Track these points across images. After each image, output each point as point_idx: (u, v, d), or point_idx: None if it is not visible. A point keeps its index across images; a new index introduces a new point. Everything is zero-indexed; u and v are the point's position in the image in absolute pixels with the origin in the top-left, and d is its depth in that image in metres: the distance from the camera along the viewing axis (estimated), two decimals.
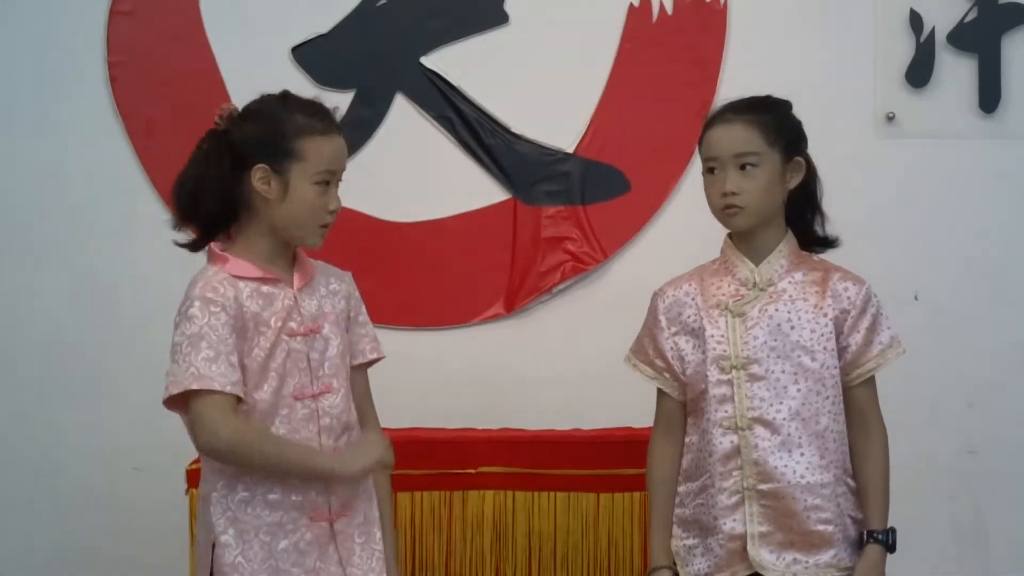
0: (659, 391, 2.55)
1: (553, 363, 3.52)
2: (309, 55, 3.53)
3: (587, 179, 3.54)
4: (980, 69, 3.50)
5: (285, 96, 2.34)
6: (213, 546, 2.24)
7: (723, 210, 2.41)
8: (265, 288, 2.28)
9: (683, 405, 2.52)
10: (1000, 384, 3.51)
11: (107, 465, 3.49)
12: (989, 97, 3.50)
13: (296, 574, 2.26)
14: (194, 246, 2.35)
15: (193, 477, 2.97)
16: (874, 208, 3.48)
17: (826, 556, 2.37)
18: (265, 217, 2.28)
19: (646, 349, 2.55)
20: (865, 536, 2.39)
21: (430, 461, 3.03)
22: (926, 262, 3.50)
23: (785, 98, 2.49)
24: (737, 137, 2.39)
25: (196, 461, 2.98)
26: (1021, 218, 3.54)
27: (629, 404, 3.31)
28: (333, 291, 2.39)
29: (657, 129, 3.53)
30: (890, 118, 3.50)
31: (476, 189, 3.54)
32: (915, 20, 3.49)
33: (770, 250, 2.44)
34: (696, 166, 3.49)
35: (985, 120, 3.51)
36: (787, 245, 2.45)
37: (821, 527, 2.36)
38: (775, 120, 2.42)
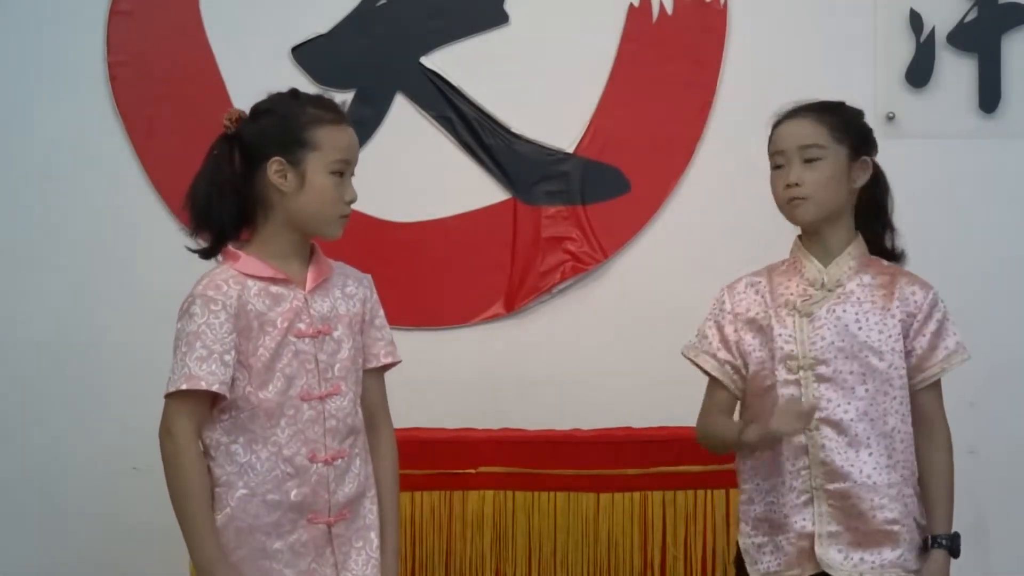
0: (711, 383, 2.52)
1: (553, 363, 3.51)
2: (309, 55, 3.53)
3: (587, 179, 3.53)
4: (980, 69, 3.50)
5: (294, 92, 2.36)
6: None
7: (787, 203, 2.42)
8: (274, 288, 2.28)
9: (736, 400, 2.50)
10: (1000, 384, 3.51)
11: (107, 465, 3.49)
12: (989, 97, 3.50)
13: (288, 575, 2.26)
14: (207, 253, 2.34)
15: None
16: None
17: (892, 555, 2.36)
18: (282, 212, 2.29)
19: (710, 341, 2.50)
20: (930, 541, 2.39)
21: (430, 461, 3.03)
22: (926, 262, 3.49)
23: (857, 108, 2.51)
24: (802, 130, 2.42)
25: None
26: (1021, 218, 3.54)
27: (629, 404, 3.33)
28: (349, 294, 2.38)
29: (657, 129, 3.53)
30: (890, 118, 3.50)
31: (476, 189, 3.54)
32: (915, 20, 3.49)
33: (839, 251, 2.44)
34: (695, 166, 3.54)
35: (985, 120, 3.51)
36: (856, 248, 2.45)
37: (887, 526, 2.35)
38: (842, 119, 2.45)
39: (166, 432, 2.21)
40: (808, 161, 2.40)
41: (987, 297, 3.52)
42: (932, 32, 3.49)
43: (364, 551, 2.34)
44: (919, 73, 3.50)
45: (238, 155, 2.31)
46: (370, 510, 2.36)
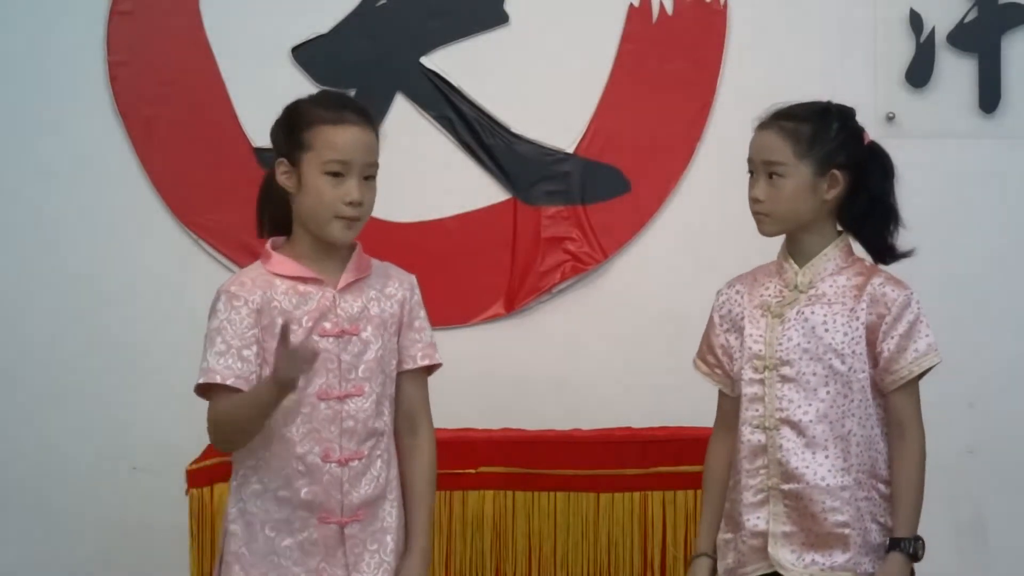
0: (719, 390, 2.56)
1: (553, 363, 3.51)
2: (309, 55, 3.53)
3: (587, 179, 3.54)
4: (980, 69, 3.50)
5: (316, 93, 2.39)
6: (225, 533, 2.28)
7: (753, 214, 2.44)
8: (302, 287, 2.28)
9: (738, 401, 2.52)
10: (1000, 384, 3.51)
11: (107, 465, 3.49)
12: (989, 97, 3.50)
13: (296, 573, 2.26)
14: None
15: (193, 477, 2.96)
16: None
17: (842, 559, 2.36)
18: (296, 213, 2.31)
19: (703, 347, 2.57)
20: (888, 543, 2.38)
21: None
22: (926, 262, 3.49)
23: (846, 106, 2.47)
24: (766, 145, 2.41)
25: (196, 461, 2.98)
26: (1021, 218, 3.54)
27: (629, 404, 3.33)
28: (388, 294, 2.37)
29: (657, 129, 3.53)
30: (890, 118, 3.50)
31: (476, 189, 3.54)
32: (915, 20, 3.49)
33: (815, 253, 2.43)
34: (696, 165, 3.54)
35: (985, 120, 3.51)
36: (835, 249, 2.43)
37: (838, 529, 2.36)
38: (812, 131, 2.40)
39: (209, 429, 2.26)
40: (771, 176, 2.39)
41: (986, 297, 3.52)
42: (932, 32, 3.49)
43: (378, 554, 2.32)
44: (919, 73, 3.50)
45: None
46: (389, 513, 2.33)
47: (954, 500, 3.51)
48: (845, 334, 2.38)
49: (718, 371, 2.52)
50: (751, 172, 2.44)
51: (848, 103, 3.54)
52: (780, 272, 2.47)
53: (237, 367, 2.21)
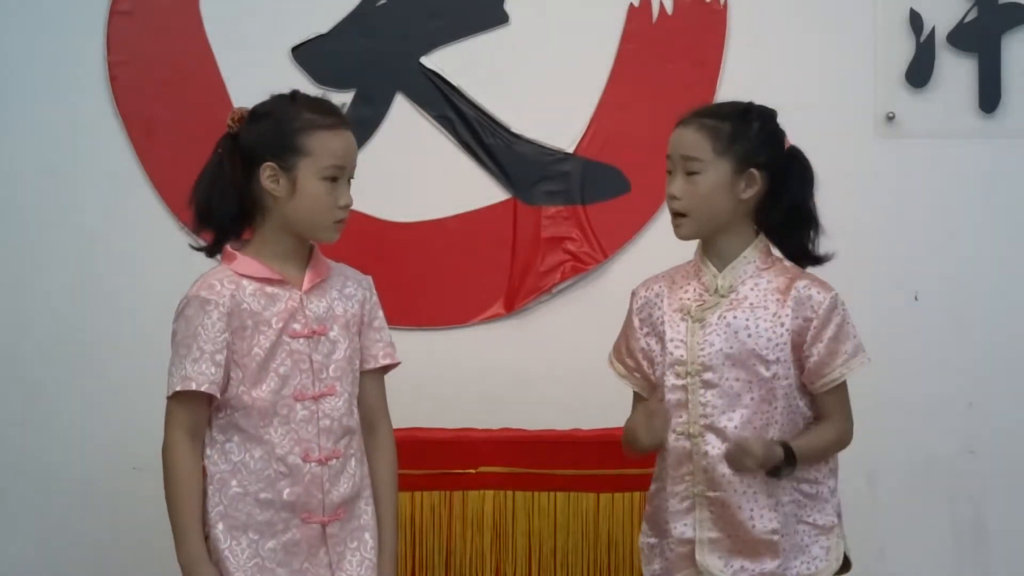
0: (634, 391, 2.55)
1: (553, 363, 3.51)
2: (309, 55, 3.53)
3: (587, 179, 3.54)
4: (980, 69, 3.50)
5: (294, 95, 2.37)
6: (207, 537, 2.28)
7: (671, 214, 2.41)
8: (269, 288, 2.29)
9: None
10: (1000, 384, 3.51)
11: (107, 465, 3.49)
12: (989, 97, 3.50)
13: (281, 574, 2.27)
14: (210, 251, 2.37)
15: None
16: (874, 208, 3.48)
17: (771, 565, 2.35)
18: (277, 216, 2.31)
19: (621, 348, 2.54)
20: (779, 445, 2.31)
21: (430, 461, 3.03)
22: (926, 262, 3.50)
23: (768, 107, 2.44)
24: (685, 140, 2.37)
25: None
26: (1021, 218, 3.54)
27: (629, 404, 3.32)
28: (348, 295, 2.39)
29: (657, 129, 3.48)
30: (890, 118, 3.50)
31: (476, 189, 3.54)
32: (915, 20, 3.49)
33: (734, 256, 2.40)
34: None
35: (985, 120, 3.51)
36: (754, 251, 2.40)
37: (767, 536, 2.34)
38: (733, 129, 2.37)
39: (165, 434, 2.26)
40: (689, 173, 2.36)
41: (986, 297, 3.52)
42: (932, 32, 3.49)
43: (359, 551, 2.34)
44: (919, 73, 3.50)
45: (238, 156, 2.32)
46: (365, 511, 2.37)
47: (954, 500, 3.51)
48: (769, 339, 2.35)
49: (637, 374, 2.49)
50: (669, 171, 2.40)
51: (848, 103, 3.57)
52: (698, 274, 2.43)
53: (210, 372, 2.24)
